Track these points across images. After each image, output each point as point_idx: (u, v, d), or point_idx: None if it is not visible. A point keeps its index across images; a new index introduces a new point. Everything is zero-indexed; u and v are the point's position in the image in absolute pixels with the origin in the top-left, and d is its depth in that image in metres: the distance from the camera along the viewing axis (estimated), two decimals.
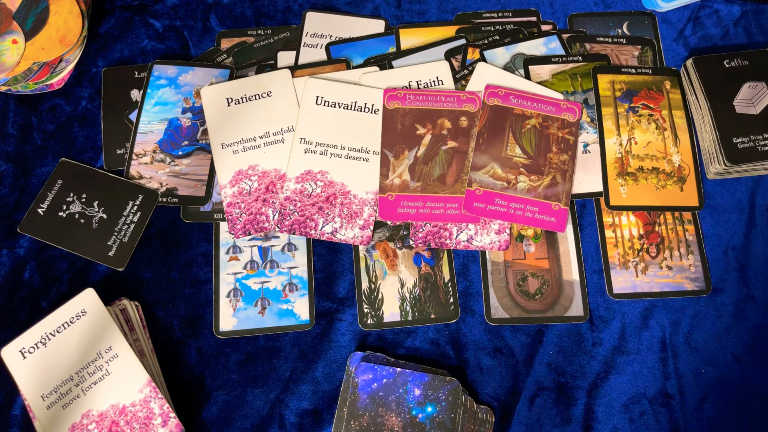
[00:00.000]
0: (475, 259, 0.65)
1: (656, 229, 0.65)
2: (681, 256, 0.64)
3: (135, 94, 0.70)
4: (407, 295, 0.64)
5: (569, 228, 0.65)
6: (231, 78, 0.70)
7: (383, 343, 0.63)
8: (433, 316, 0.63)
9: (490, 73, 0.68)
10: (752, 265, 0.64)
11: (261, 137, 0.66)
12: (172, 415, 0.57)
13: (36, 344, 0.57)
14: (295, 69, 0.70)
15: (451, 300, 0.64)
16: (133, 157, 0.67)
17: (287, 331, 0.63)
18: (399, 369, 0.57)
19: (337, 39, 0.72)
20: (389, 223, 0.65)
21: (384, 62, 0.70)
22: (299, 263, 0.65)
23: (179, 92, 0.69)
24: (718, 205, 0.66)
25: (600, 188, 0.66)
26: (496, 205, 0.64)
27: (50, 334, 0.58)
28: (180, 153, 0.68)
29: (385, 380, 0.57)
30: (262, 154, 0.66)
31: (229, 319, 0.63)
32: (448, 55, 0.70)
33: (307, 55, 0.71)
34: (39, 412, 0.56)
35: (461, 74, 0.69)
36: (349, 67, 0.70)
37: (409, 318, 0.63)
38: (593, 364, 0.62)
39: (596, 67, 0.69)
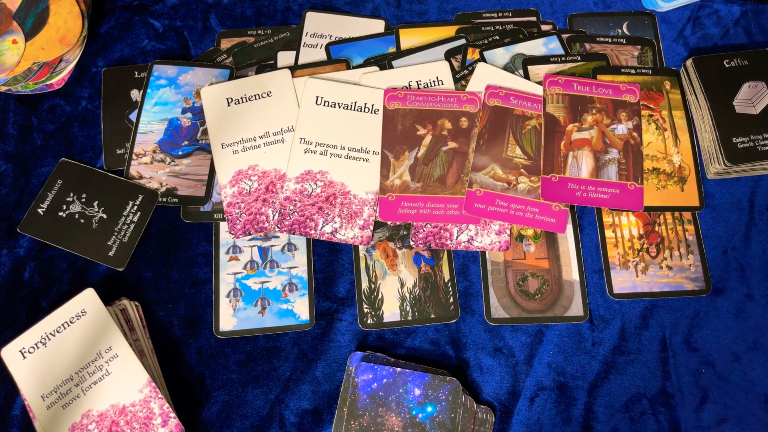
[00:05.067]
0: (475, 259, 0.65)
1: (656, 229, 0.65)
2: (681, 256, 0.64)
3: (135, 94, 0.70)
4: (407, 295, 0.64)
5: (569, 228, 0.65)
6: (231, 78, 0.70)
7: (383, 343, 0.63)
8: (433, 316, 0.63)
9: (491, 74, 0.68)
10: (752, 265, 0.64)
11: (261, 137, 0.66)
12: (172, 415, 0.57)
13: (36, 344, 0.57)
14: (295, 69, 0.70)
15: (451, 300, 0.64)
16: (133, 157, 0.67)
17: (287, 331, 0.63)
18: (399, 369, 0.57)
19: (337, 39, 0.72)
20: (389, 223, 0.65)
21: (384, 62, 0.70)
22: (299, 263, 0.65)
23: (179, 92, 0.69)
24: (718, 205, 0.66)
25: None
26: (496, 205, 0.64)
27: (50, 334, 0.58)
28: (180, 153, 0.68)
29: (385, 380, 0.57)
30: (262, 154, 0.66)
31: (229, 319, 0.63)
32: (448, 55, 0.70)
33: (307, 55, 0.71)
34: (39, 412, 0.56)
35: (461, 74, 0.69)
36: (349, 67, 0.70)
37: (409, 318, 0.63)
38: (593, 364, 0.62)
39: (596, 67, 0.69)
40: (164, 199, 0.66)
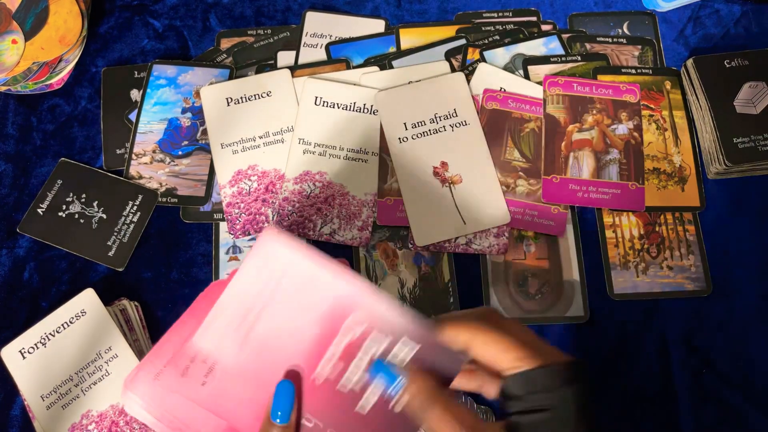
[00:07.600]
0: (475, 259, 0.65)
1: (657, 229, 0.65)
2: (681, 256, 0.64)
3: (135, 94, 0.70)
4: (407, 295, 0.63)
5: (569, 228, 0.65)
6: (231, 78, 0.70)
7: None
8: (433, 317, 0.63)
9: (491, 74, 0.68)
10: (753, 266, 0.64)
11: (260, 137, 0.66)
12: None
13: (36, 344, 0.57)
14: (294, 69, 0.70)
15: (451, 300, 0.63)
16: (133, 157, 0.67)
17: None
18: None
19: (337, 39, 0.72)
20: None
21: (384, 62, 0.70)
22: None
23: (179, 92, 0.69)
24: (718, 205, 0.66)
25: None
26: None
27: (50, 334, 0.58)
28: (180, 153, 0.68)
29: None
30: (261, 154, 0.66)
31: None
32: (448, 55, 0.70)
33: (307, 55, 0.71)
34: (39, 413, 0.56)
35: None
36: (349, 67, 0.70)
37: None
38: (593, 365, 0.62)
39: (596, 67, 0.69)
40: (164, 199, 0.66)
